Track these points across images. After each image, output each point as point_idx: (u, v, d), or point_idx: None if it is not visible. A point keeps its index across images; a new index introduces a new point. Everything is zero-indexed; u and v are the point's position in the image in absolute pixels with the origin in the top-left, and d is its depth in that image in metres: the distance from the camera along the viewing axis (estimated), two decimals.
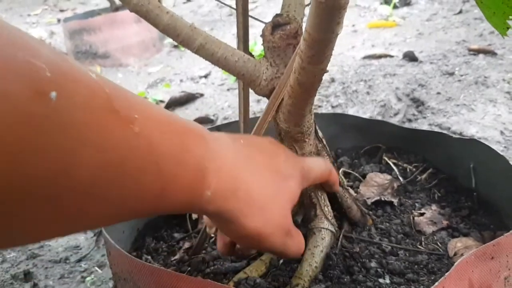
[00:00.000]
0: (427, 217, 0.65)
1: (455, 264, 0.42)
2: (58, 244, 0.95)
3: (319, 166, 0.55)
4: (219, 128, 0.85)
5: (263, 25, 0.56)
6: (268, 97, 0.57)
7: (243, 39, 0.62)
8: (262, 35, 0.56)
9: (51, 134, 0.24)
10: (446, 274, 0.40)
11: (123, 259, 0.49)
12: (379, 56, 1.81)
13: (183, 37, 0.55)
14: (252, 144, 0.49)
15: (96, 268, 0.87)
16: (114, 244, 0.49)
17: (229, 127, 0.85)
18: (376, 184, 0.74)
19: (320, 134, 0.61)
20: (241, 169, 0.42)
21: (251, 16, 0.63)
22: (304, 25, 0.43)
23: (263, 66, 0.56)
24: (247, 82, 0.58)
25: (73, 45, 2.49)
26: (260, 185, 0.44)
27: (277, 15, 0.55)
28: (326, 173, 0.56)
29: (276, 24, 0.55)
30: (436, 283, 0.39)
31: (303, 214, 0.61)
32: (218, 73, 2.02)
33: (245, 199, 0.42)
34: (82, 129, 0.26)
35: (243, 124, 0.73)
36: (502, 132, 1.10)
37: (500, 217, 0.63)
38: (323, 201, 0.60)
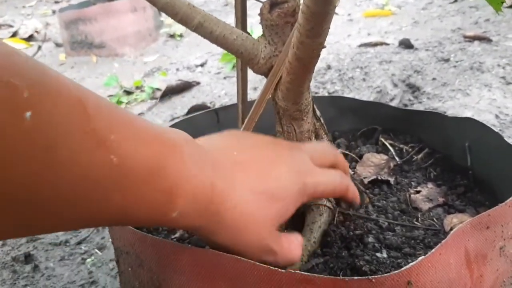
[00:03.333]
0: (423, 195, 0.66)
1: (451, 232, 0.42)
2: None
3: (332, 181, 0.52)
4: (217, 112, 0.86)
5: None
6: (266, 76, 0.58)
7: (241, 19, 0.63)
8: (260, 14, 0.56)
9: (24, 153, 0.25)
10: (443, 241, 0.41)
11: (125, 231, 0.49)
12: (375, 44, 1.82)
13: (182, 16, 0.56)
14: (244, 157, 0.47)
15: (96, 250, 0.88)
16: None
17: (226, 110, 0.86)
18: (372, 164, 0.75)
19: (318, 113, 0.62)
20: (217, 189, 0.40)
21: None
22: (301, 4, 0.44)
23: (261, 45, 0.57)
24: (245, 61, 0.58)
25: (69, 35, 2.49)
26: (237, 207, 0.42)
27: None
28: (341, 189, 0.53)
29: (274, 3, 0.55)
30: (433, 250, 0.40)
31: None
32: (214, 62, 2.02)
33: (214, 219, 0.41)
34: (54, 149, 0.27)
35: (241, 105, 0.73)
36: (497, 116, 1.11)
37: (495, 194, 0.64)
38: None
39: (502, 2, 0.45)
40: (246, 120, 0.60)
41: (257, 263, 0.40)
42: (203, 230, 0.41)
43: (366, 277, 0.37)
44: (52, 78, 0.28)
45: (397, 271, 0.38)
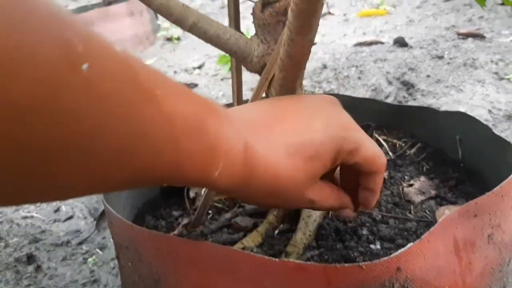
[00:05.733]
0: (416, 188, 0.68)
1: (439, 220, 0.44)
2: (59, 229, 0.98)
3: (374, 149, 0.48)
4: None
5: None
6: (260, 74, 0.59)
7: (234, 18, 0.64)
8: (253, 13, 0.58)
9: (83, 102, 0.26)
10: (431, 229, 0.42)
11: (125, 227, 0.51)
12: (370, 43, 1.83)
13: (176, 16, 0.57)
14: (280, 110, 0.47)
15: (97, 250, 0.89)
16: (115, 213, 0.51)
17: None
18: None
19: None
20: (251, 151, 0.41)
21: None
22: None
23: (254, 43, 0.58)
24: (239, 59, 0.60)
25: None
26: (276, 167, 0.42)
27: None
28: (374, 167, 0.47)
29: (266, 2, 0.57)
30: (422, 237, 0.41)
31: None
32: (211, 64, 2.04)
33: (249, 181, 0.41)
34: (110, 100, 0.28)
35: (237, 104, 0.75)
36: (490, 111, 1.13)
37: (486, 186, 0.65)
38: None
39: None
40: None
41: (252, 253, 0.41)
42: (241, 192, 0.42)
43: (357, 263, 0.39)
44: (100, 37, 0.29)
45: (386, 258, 0.40)
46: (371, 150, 0.47)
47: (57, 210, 1.08)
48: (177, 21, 0.57)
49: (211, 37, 0.58)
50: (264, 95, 0.60)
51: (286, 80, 0.55)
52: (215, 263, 0.44)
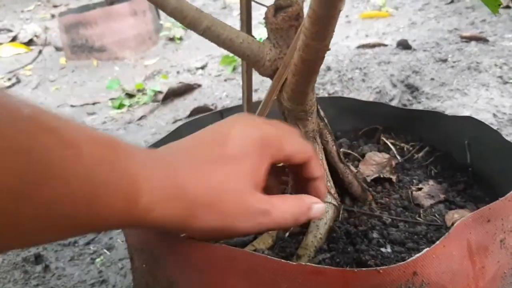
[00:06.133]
0: (425, 192, 0.68)
1: (454, 225, 0.44)
2: None
3: (298, 142, 0.50)
4: (221, 113, 0.88)
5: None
6: (271, 78, 0.60)
7: (246, 22, 0.65)
8: (265, 18, 0.58)
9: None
10: (446, 234, 0.43)
11: (139, 229, 0.51)
12: (373, 45, 1.84)
13: (190, 20, 0.57)
14: (189, 141, 0.46)
15: (105, 251, 0.90)
16: None
17: (231, 112, 0.88)
18: (374, 162, 0.77)
19: (321, 113, 0.64)
20: (178, 169, 0.40)
21: (254, 0, 0.65)
22: (305, 9, 0.46)
23: (267, 47, 0.59)
24: (251, 63, 0.60)
25: (69, 39, 2.50)
26: (204, 179, 0.41)
27: None
28: (305, 154, 0.49)
29: (278, 7, 0.57)
30: (438, 242, 0.42)
31: None
32: (214, 65, 2.04)
33: (188, 200, 0.40)
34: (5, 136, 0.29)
35: (247, 106, 0.75)
36: (494, 115, 1.14)
37: (494, 190, 0.66)
38: (325, 176, 0.63)
39: (499, 5, 0.47)
40: None
41: (269, 256, 0.42)
42: (182, 218, 0.40)
43: (374, 268, 0.39)
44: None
45: (403, 262, 0.40)
46: (295, 141, 0.49)
47: None
48: (191, 24, 0.58)
49: (224, 41, 0.58)
50: (275, 98, 0.61)
51: (299, 85, 0.55)
52: (231, 266, 0.44)
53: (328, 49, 0.49)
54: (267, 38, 0.59)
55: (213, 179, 0.42)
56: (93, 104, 1.89)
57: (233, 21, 2.73)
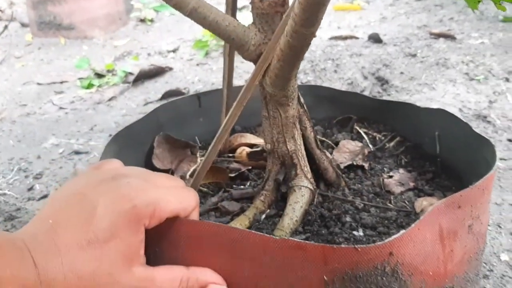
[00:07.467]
0: (396, 179, 0.71)
1: (428, 210, 0.47)
2: (34, 207, 0.97)
3: (178, 201, 0.47)
4: (199, 97, 0.88)
5: None
6: (255, 62, 0.60)
7: (231, 6, 0.65)
8: (252, 2, 0.59)
9: None
10: (421, 218, 0.45)
11: None
12: (346, 38, 1.87)
13: (177, 1, 0.57)
14: (49, 217, 0.44)
15: None
16: None
17: (208, 96, 0.88)
18: (348, 150, 0.79)
19: (302, 100, 0.65)
20: (39, 261, 0.39)
21: None
22: None
23: (252, 32, 0.59)
24: (236, 47, 0.61)
25: (37, 16, 2.44)
26: (73, 269, 0.41)
27: None
28: (187, 210, 0.48)
29: None
30: (413, 225, 0.44)
31: (284, 173, 0.65)
32: (186, 49, 2.03)
33: None
34: None
35: (227, 91, 0.76)
36: (460, 109, 1.18)
37: (461, 180, 0.69)
38: (303, 161, 0.65)
39: (479, 1, 0.50)
40: (234, 105, 0.62)
41: (252, 231, 0.43)
42: None
43: (353, 246, 0.41)
44: None
45: (380, 243, 0.42)
46: (173, 199, 0.47)
47: (30, 188, 1.07)
48: (177, 5, 0.58)
49: (210, 23, 0.59)
50: (257, 83, 0.62)
51: (283, 70, 0.56)
52: (214, 241, 0.45)
53: (315, 36, 0.51)
54: (253, 23, 0.60)
55: (84, 268, 0.41)
56: (61, 82, 1.85)
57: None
